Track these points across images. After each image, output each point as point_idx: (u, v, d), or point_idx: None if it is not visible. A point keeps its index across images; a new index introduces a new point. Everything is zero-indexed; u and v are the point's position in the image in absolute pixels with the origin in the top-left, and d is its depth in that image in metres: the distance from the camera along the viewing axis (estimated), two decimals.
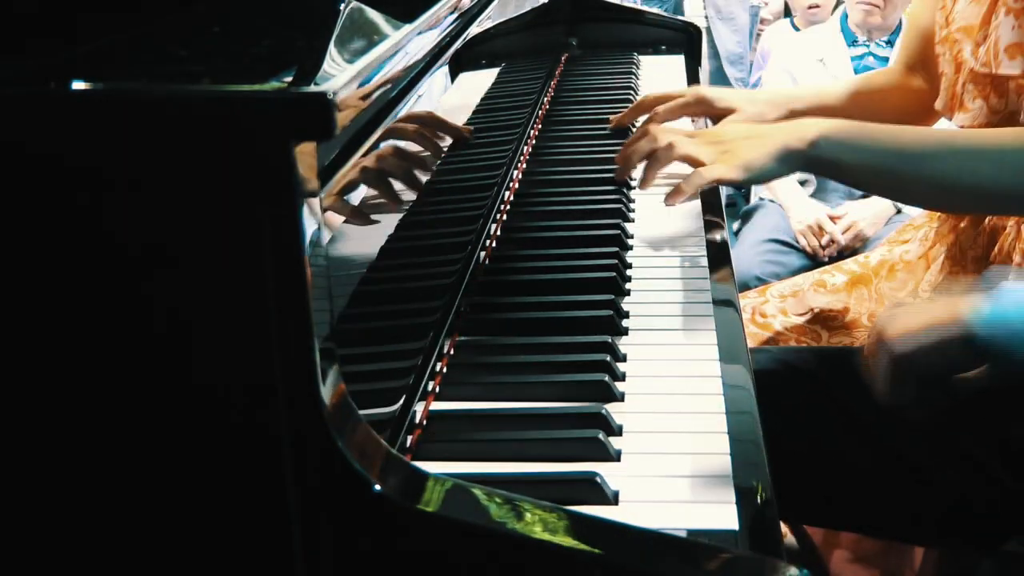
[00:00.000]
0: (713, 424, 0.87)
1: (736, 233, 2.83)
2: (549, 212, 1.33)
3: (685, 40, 2.18)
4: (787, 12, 3.86)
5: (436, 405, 0.91)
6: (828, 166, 1.19)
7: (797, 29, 3.40)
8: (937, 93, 1.37)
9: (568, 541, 0.67)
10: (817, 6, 3.34)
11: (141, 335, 0.65)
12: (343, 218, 0.76)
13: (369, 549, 0.68)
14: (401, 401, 0.86)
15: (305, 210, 0.63)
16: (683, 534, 0.74)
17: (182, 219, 0.63)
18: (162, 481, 0.67)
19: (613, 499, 0.78)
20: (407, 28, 0.86)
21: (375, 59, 0.74)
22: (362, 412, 0.69)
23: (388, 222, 0.89)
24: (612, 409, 0.88)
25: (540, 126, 1.66)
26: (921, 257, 1.48)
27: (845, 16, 2.84)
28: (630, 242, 1.26)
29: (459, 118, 1.18)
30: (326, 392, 0.65)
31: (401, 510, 0.66)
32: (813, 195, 2.66)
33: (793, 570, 0.67)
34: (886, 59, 2.72)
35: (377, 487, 0.66)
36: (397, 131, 0.88)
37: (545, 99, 1.78)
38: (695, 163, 1.25)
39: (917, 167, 1.15)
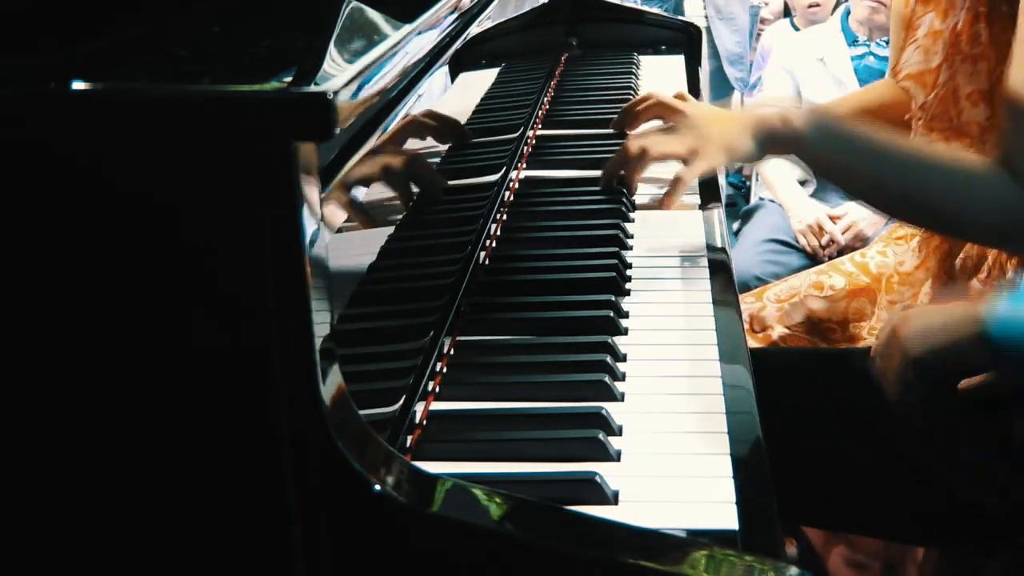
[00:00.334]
0: (713, 424, 0.87)
1: (736, 233, 2.83)
2: (549, 212, 1.33)
3: (685, 40, 2.18)
4: (787, 12, 3.86)
5: (436, 405, 0.91)
6: (792, 144, 1.19)
7: (797, 29, 3.40)
8: None
9: (568, 541, 0.67)
10: (817, 5, 3.34)
11: (141, 335, 0.65)
12: (343, 218, 0.76)
13: (369, 549, 0.68)
14: (401, 401, 0.86)
15: (305, 210, 0.63)
16: (683, 534, 0.74)
17: (182, 219, 0.63)
18: (162, 481, 0.67)
19: (613, 499, 0.78)
20: (407, 28, 0.86)
21: (375, 59, 0.74)
22: (362, 412, 0.69)
23: (388, 222, 0.89)
24: (612, 409, 0.88)
25: (540, 126, 1.66)
26: (918, 267, 1.48)
27: (845, 16, 2.84)
28: (630, 242, 1.26)
29: (459, 118, 1.18)
30: (326, 392, 0.65)
31: (401, 510, 0.66)
32: (813, 195, 2.66)
33: (793, 570, 0.67)
34: (886, 59, 2.72)
35: (377, 487, 0.66)
36: (397, 131, 0.88)
37: (545, 99, 1.78)
38: (674, 158, 1.26)
39: (876, 165, 1.15)
